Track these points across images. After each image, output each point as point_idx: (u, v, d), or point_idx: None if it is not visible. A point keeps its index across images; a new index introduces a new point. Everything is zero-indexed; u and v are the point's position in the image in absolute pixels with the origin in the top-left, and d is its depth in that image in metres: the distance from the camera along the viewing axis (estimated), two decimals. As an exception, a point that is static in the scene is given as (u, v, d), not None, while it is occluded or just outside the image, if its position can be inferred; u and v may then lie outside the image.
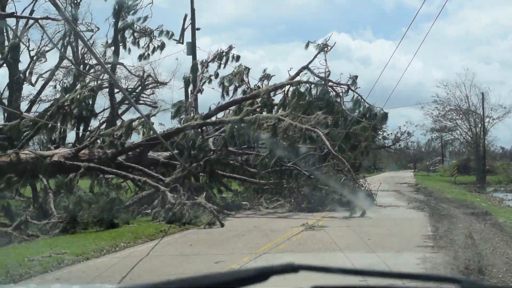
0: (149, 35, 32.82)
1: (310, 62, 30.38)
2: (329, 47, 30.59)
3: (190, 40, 42.20)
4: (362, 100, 30.78)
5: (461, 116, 78.27)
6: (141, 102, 44.86)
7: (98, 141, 28.41)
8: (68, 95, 27.03)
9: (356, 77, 31.03)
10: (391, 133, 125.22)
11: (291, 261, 2.71)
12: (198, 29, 43.26)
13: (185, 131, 27.92)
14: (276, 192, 30.05)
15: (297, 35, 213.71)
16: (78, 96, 25.86)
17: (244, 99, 30.89)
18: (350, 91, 30.83)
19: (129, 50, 33.04)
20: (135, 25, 31.66)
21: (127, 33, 31.79)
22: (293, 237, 18.22)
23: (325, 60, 30.28)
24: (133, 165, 28.14)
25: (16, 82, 38.85)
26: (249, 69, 32.16)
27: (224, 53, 34.03)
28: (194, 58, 36.93)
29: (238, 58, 33.66)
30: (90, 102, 29.41)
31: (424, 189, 47.14)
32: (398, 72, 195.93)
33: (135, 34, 32.14)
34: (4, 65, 39.23)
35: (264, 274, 2.62)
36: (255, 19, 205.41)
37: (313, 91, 30.41)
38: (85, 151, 27.21)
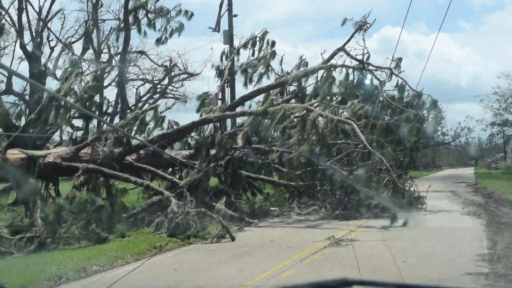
0: (165, 15, 29.23)
1: (346, 43, 26.18)
2: (368, 25, 26.33)
3: (227, 28, 39.18)
4: (408, 86, 26.40)
5: (525, 108, 72.68)
6: (169, 95, 41.47)
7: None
8: (62, 84, 23.51)
9: (401, 59, 26.71)
10: (450, 129, 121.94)
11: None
12: (235, 15, 40.14)
13: (202, 125, 24.36)
14: (309, 196, 26.29)
15: (351, 30, 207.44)
16: (72, 86, 22.43)
17: (270, 87, 27.00)
18: (393, 75, 26.49)
19: (145, 33, 29.80)
20: (148, 5, 28.14)
21: (141, 14, 28.36)
22: (309, 257, 14.49)
23: (363, 40, 25.99)
24: (144, 165, 24.76)
25: (37, 77, 35.96)
26: (275, 53, 28.18)
27: (257, 38, 30.10)
28: (232, 47, 33.47)
29: (273, 44, 29.69)
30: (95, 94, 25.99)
31: (484, 189, 42.53)
32: (455, 66, 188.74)
33: (149, 15, 28.66)
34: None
35: None
36: (312, 14, 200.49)
37: (350, 77, 26.43)
38: (87, 150, 23.92)
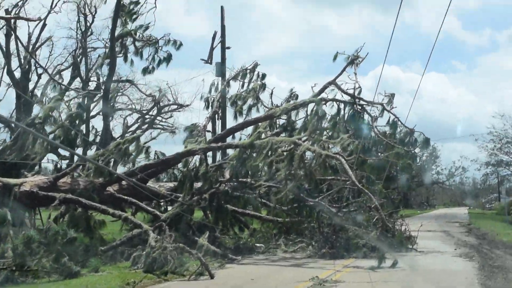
0: (153, 44, 28.55)
1: (337, 77, 25.48)
2: (360, 59, 25.68)
3: (220, 60, 38.73)
4: (400, 123, 25.63)
5: (519, 149, 71.90)
6: (158, 126, 40.65)
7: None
8: (41, 110, 22.74)
9: (393, 95, 26.01)
10: (444, 168, 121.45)
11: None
12: (228, 48, 39.69)
13: (186, 157, 23.54)
14: (296, 233, 25.39)
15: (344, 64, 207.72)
16: (49, 112, 21.65)
17: (258, 120, 26.22)
18: (385, 111, 25.73)
19: (131, 61, 29.02)
20: (137, 33, 27.49)
21: (128, 42, 27.68)
22: (289, 300, 13.60)
23: (355, 74, 25.28)
24: (125, 197, 23.88)
25: (24, 104, 35.24)
26: (265, 85, 27.49)
27: (248, 70, 29.44)
28: (224, 79, 32.85)
29: (263, 76, 28.99)
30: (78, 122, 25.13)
31: (477, 230, 41.63)
32: (450, 106, 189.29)
33: (136, 43, 28.00)
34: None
35: None
36: (308, 51, 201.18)
37: (341, 112, 25.67)
38: (67, 180, 23.02)
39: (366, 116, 25.61)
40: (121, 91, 41.44)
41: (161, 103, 39.33)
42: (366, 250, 21.34)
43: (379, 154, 24.45)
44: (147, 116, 41.59)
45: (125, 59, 29.02)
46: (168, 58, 29.67)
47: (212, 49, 39.51)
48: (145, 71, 30.10)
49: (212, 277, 16.90)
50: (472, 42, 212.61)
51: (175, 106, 41.75)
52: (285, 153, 22.42)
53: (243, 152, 22.82)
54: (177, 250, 17.73)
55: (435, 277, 17.25)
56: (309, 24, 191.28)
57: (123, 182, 24.63)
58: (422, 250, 24.48)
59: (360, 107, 25.30)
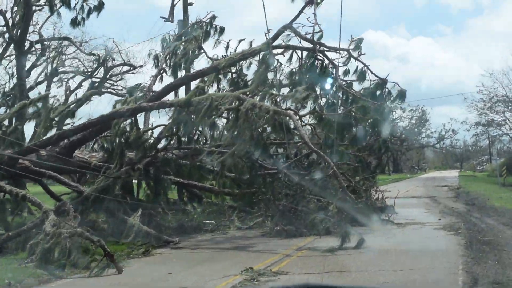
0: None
1: (294, 19, 20.76)
2: None
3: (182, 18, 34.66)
4: (370, 72, 21.23)
5: (510, 108, 67.94)
6: (110, 91, 36.31)
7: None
8: None
9: (361, 40, 21.54)
10: (434, 131, 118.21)
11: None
12: (190, 4, 35.40)
13: (112, 120, 19.48)
14: (252, 207, 21.55)
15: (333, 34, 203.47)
16: None
17: (200, 73, 21.99)
18: (351, 59, 21.34)
19: (58, 13, 24.86)
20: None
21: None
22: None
23: (314, 15, 20.78)
24: (42, 170, 19.92)
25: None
26: (209, 33, 23.05)
27: (203, 24, 24.93)
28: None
29: (222, 30, 24.49)
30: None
31: (466, 194, 38.01)
32: (438, 70, 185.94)
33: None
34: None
35: None
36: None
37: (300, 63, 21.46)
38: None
39: (331, 67, 21.41)
40: (65, 53, 37.34)
41: (107, 63, 35.06)
42: (329, 226, 17.38)
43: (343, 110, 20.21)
44: (95, 80, 37.35)
45: (51, 10, 24.91)
46: (99, 7, 25.27)
47: (173, 5, 35.40)
48: (74, 23, 25.77)
49: (119, 271, 12.99)
50: (457, 6, 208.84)
51: (127, 68, 37.58)
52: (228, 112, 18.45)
53: (179, 112, 18.79)
54: (72, 237, 13.69)
55: (408, 261, 13.39)
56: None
57: (42, 152, 20.63)
58: (400, 221, 20.91)
59: (322, 55, 21.07)
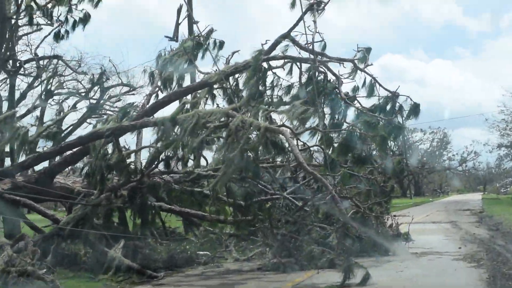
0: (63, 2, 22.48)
1: (292, 28, 18.64)
2: (323, 2, 18.85)
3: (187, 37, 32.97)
4: (378, 85, 18.81)
5: (534, 128, 65.96)
6: (109, 112, 34.60)
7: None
8: None
9: (369, 50, 19.35)
10: (456, 154, 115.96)
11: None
12: (195, 22, 33.62)
13: (91, 141, 17.59)
14: (251, 236, 19.47)
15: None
16: None
17: (190, 89, 20.03)
18: (358, 71, 19.00)
19: (38, 25, 23.12)
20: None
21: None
22: None
23: (314, 22, 18.51)
24: (18, 198, 18.03)
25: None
26: (201, 45, 20.99)
27: (201, 38, 22.91)
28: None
29: (221, 45, 22.55)
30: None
31: (490, 219, 35.65)
32: (456, 93, 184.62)
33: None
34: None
35: None
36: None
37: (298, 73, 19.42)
38: None
39: (333, 80, 19.27)
40: (63, 74, 35.71)
41: (103, 84, 33.37)
42: (333, 258, 15.21)
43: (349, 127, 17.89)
44: (93, 102, 35.66)
45: (30, 22, 23.20)
46: (84, 19, 23.36)
47: (177, 24, 33.81)
48: (57, 36, 24.04)
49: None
50: (474, 28, 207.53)
51: (127, 89, 35.96)
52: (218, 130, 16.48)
53: (164, 131, 16.83)
54: (22, 275, 11.71)
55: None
56: None
57: (19, 178, 18.80)
58: (416, 250, 18.79)
59: (323, 67, 18.94)
